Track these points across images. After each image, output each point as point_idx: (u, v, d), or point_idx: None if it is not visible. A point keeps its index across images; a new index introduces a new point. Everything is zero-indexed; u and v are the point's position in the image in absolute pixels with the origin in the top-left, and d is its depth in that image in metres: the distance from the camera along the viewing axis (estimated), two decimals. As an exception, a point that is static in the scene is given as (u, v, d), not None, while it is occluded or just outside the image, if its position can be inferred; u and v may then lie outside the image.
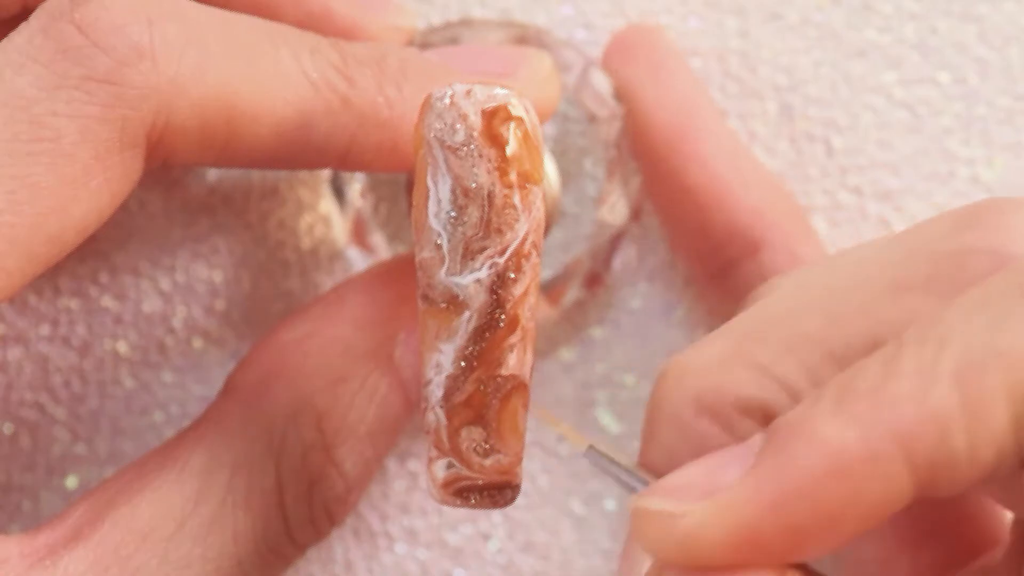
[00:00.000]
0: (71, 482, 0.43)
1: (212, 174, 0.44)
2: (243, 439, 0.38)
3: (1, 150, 0.35)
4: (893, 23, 0.44)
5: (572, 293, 0.43)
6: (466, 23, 0.42)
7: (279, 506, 0.39)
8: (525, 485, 0.43)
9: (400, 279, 0.40)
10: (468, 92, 0.34)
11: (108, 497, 0.38)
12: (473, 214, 0.34)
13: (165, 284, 0.44)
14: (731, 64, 0.44)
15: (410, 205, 0.37)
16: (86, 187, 0.36)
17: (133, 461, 0.40)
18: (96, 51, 0.35)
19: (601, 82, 0.42)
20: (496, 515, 0.44)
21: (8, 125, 0.35)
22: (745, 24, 0.44)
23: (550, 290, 0.43)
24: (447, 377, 0.35)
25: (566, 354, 0.44)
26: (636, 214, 0.43)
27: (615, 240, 0.43)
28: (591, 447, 0.36)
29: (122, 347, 0.44)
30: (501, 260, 0.34)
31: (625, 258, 0.43)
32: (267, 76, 0.37)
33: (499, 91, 0.35)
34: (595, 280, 0.43)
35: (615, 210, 0.43)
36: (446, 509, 0.43)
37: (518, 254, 0.35)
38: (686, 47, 0.44)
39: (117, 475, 0.39)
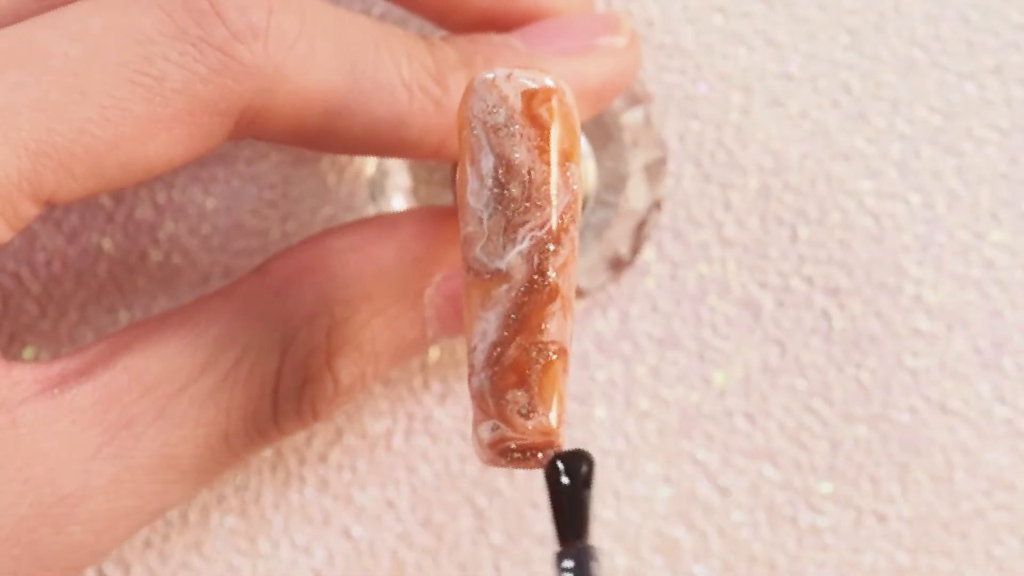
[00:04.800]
0: (28, 352, 0.44)
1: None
2: (261, 324, 0.39)
3: (109, 70, 0.36)
4: (882, 137, 0.45)
5: (598, 277, 0.44)
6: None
7: (273, 393, 0.39)
8: (437, 466, 0.44)
9: (454, 225, 0.40)
10: (509, 76, 0.35)
11: (126, 342, 0.38)
12: (515, 190, 0.35)
13: (161, 198, 0.44)
14: (726, 134, 0.45)
15: (454, 186, 0.38)
16: (169, 132, 0.37)
17: (160, 312, 0.40)
18: (216, 20, 0.37)
19: None
20: (405, 488, 0.44)
21: (122, 51, 0.36)
22: (748, 102, 0.45)
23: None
24: (491, 344, 0.35)
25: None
26: (659, 201, 0.44)
27: (640, 226, 0.44)
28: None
29: (107, 244, 0.44)
30: (542, 233, 0.35)
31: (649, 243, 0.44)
32: (366, 78, 0.38)
33: (538, 74, 0.36)
34: (620, 265, 0.44)
35: (640, 196, 0.44)
36: (359, 468, 0.44)
37: (558, 227, 0.35)
38: (690, 110, 0.45)
39: (139, 322, 0.39)
